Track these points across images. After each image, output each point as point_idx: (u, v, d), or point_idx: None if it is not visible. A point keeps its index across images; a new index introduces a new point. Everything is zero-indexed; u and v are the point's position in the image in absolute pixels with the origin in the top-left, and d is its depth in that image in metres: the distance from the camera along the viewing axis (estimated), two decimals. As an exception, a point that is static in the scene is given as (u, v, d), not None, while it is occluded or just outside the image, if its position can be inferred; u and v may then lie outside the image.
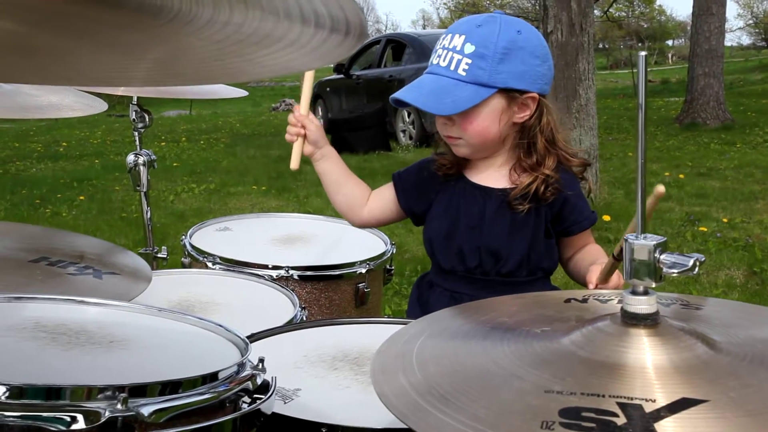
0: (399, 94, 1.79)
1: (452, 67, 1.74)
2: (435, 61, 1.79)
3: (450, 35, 1.77)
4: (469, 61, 1.72)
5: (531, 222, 1.82)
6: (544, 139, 1.81)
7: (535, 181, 1.79)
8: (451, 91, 1.73)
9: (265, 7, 0.61)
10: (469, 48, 1.72)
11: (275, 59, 0.67)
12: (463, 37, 1.74)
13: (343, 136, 11.33)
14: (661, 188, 1.06)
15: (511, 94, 1.75)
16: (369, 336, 1.68)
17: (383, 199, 2.00)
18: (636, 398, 0.81)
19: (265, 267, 2.23)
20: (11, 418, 0.89)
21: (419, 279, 2.06)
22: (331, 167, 1.99)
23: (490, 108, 1.76)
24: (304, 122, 1.91)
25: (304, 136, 1.92)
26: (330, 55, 0.64)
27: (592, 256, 1.86)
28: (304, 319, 1.90)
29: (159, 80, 0.85)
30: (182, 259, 2.47)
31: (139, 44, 0.72)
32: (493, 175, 1.87)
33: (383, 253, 2.44)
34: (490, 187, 1.86)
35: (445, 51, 1.76)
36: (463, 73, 1.72)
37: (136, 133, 2.81)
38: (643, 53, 0.88)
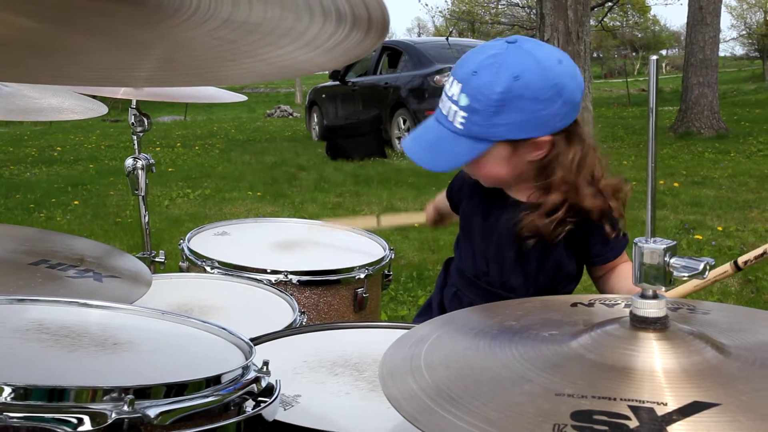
0: (405, 144, 1.75)
1: (450, 118, 1.66)
2: (440, 106, 1.71)
3: (452, 78, 1.67)
4: (465, 114, 1.62)
5: (540, 248, 1.75)
6: (563, 177, 1.69)
7: (539, 218, 1.70)
8: (447, 145, 1.65)
9: (285, 4, 0.61)
10: (464, 100, 1.62)
11: (290, 59, 0.67)
12: (459, 86, 1.64)
13: (339, 143, 11.34)
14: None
15: (513, 142, 1.65)
16: (369, 341, 1.67)
17: None
18: (647, 401, 0.81)
19: (264, 271, 2.22)
20: (16, 420, 0.88)
21: (446, 261, 2.08)
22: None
23: (493, 156, 1.67)
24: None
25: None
26: (348, 54, 0.64)
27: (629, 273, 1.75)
28: (303, 323, 1.90)
29: (168, 80, 0.85)
30: (180, 263, 2.46)
31: (152, 43, 0.72)
32: (520, 189, 1.80)
33: (382, 258, 2.43)
34: (511, 197, 1.81)
35: (446, 98, 1.68)
36: (460, 127, 1.63)
37: (134, 137, 2.80)
38: (654, 57, 0.88)
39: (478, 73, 1.61)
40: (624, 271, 1.80)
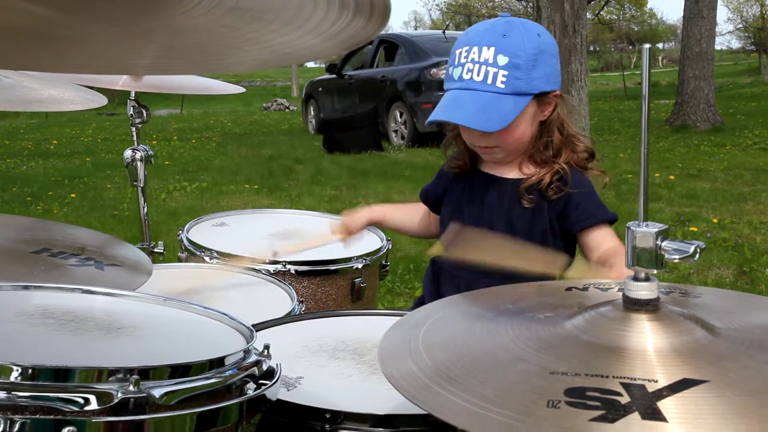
0: (442, 116, 1.78)
1: (489, 81, 1.75)
2: (467, 76, 1.77)
3: (476, 48, 1.77)
4: (506, 72, 1.74)
5: (529, 216, 1.85)
6: (559, 132, 1.85)
7: (548, 173, 1.83)
8: (495, 106, 1.74)
9: (291, -10, 0.63)
10: (503, 59, 1.74)
11: (293, 46, 0.68)
12: (492, 48, 1.75)
13: (335, 136, 11.35)
14: None
15: (540, 96, 1.80)
16: (368, 327, 1.70)
17: (427, 213, 2.18)
18: (638, 378, 0.83)
19: (263, 261, 2.24)
20: (24, 399, 0.90)
21: (432, 260, 2.10)
22: (388, 224, 2.26)
23: (526, 114, 1.80)
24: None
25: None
26: (350, 41, 0.66)
27: (609, 259, 1.77)
28: (302, 312, 1.92)
29: (171, 68, 0.86)
30: (179, 253, 2.48)
31: (156, 30, 0.73)
32: (503, 167, 1.92)
33: (379, 249, 2.45)
34: (497, 176, 1.92)
35: (477, 65, 1.76)
36: (502, 86, 1.74)
37: (133, 129, 2.81)
38: (647, 45, 0.90)
39: (507, 35, 1.76)
40: (608, 253, 1.79)
